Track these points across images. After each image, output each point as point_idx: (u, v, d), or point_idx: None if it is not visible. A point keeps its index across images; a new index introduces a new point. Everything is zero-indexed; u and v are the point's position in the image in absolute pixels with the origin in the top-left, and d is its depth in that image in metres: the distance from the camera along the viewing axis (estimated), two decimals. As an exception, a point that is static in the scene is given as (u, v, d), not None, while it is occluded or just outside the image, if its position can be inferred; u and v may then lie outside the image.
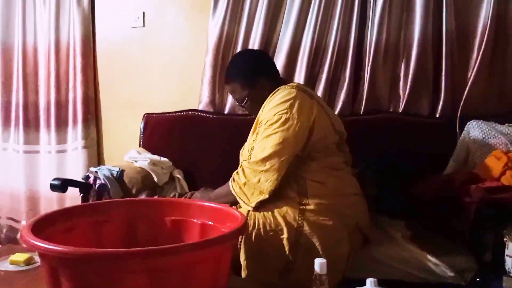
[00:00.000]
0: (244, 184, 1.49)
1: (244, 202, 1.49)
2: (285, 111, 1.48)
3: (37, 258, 1.33)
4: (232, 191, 1.52)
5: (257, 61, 1.77)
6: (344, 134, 1.64)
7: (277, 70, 1.83)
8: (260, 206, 1.47)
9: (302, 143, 1.48)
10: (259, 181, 1.46)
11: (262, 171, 1.46)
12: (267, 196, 1.46)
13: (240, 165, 1.55)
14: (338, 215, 1.46)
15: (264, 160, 1.47)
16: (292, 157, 1.47)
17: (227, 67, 1.86)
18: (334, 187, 1.50)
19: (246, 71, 1.70)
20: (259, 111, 1.60)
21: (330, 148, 1.57)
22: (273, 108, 1.51)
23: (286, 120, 1.47)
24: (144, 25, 2.60)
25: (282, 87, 1.58)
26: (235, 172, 1.55)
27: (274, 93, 1.57)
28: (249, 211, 1.47)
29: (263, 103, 1.59)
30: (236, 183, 1.52)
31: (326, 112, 1.57)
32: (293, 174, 1.51)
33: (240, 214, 1.16)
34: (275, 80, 1.68)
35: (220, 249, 1.04)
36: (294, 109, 1.48)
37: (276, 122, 1.48)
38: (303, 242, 1.41)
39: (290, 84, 1.61)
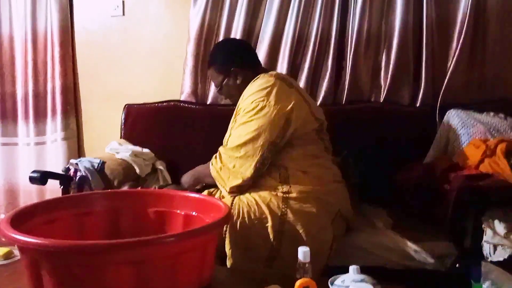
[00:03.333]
0: (220, 168, 1.53)
1: (221, 185, 1.54)
2: (262, 98, 1.51)
3: (16, 252, 1.30)
4: (212, 175, 1.56)
5: (235, 50, 1.80)
6: (324, 122, 1.67)
7: (258, 60, 1.85)
8: (236, 191, 1.51)
9: (278, 130, 1.50)
10: (234, 166, 1.50)
11: (237, 157, 1.50)
12: (240, 181, 1.49)
13: (218, 150, 1.58)
14: (321, 203, 1.48)
15: (239, 146, 1.50)
16: (267, 144, 1.49)
17: (210, 53, 1.91)
18: (316, 175, 1.52)
19: (222, 58, 1.76)
20: (236, 98, 1.65)
21: (310, 135, 1.59)
22: (251, 96, 1.54)
23: (262, 108, 1.50)
24: (123, 14, 2.55)
25: (262, 75, 1.61)
26: (213, 157, 1.59)
27: (254, 81, 1.59)
28: (233, 199, 1.48)
29: (238, 91, 1.65)
30: (213, 168, 1.56)
31: (305, 100, 1.60)
32: (274, 163, 1.53)
33: (223, 204, 1.16)
34: (253, 70, 1.70)
35: (204, 240, 1.04)
36: (271, 97, 1.51)
37: (252, 109, 1.52)
38: (287, 230, 1.43)
39: (270, 72, 1.64)
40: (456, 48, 2.11)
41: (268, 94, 1.51)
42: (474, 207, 1.49)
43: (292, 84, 1.60)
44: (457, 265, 1.45)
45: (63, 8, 2.59)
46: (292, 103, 1.52)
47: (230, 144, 1.54)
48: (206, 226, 1.07)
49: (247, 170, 1.48)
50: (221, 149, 1.57)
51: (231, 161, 1.51)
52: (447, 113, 2.01)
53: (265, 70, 1.71)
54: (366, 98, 2.24)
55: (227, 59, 1.74)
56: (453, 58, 2.12)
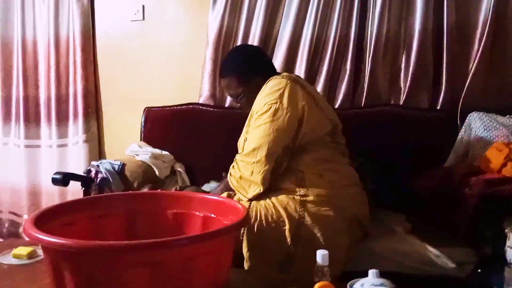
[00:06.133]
0: (240, 177, 1.51)
1: (242, 194, 1.52)
2: (275, 101, 1.50)
3: (39, 252, 1.33)
4: (231, 186, 1.54)
5: (254, 58, 1.75)
6: (338, 124, 1.64)
7: (274, 67, 1.82)
8: (255, 198, 1.50)
9: (292, 133, 1.49)
10: (252, 173, 1.49)
11: (253, 162, 1.48)
12: (262, 189, 1.48)
13: (234, 158, 1.57)
14: (337, 207, 1.47)
15: (255, 150, 1.49)
16: (282, 147, 1.48)
17: (223, 61, 1.87)
18: (332, 179, 1.51)
19: (242, 67, 1.70)
20: (251, 106, 1.61)
21: (324, 139, 1.57)
22: (264, 98, 1.53)
23: (276, 111, 1.49)
24: (143, 19, 2.59)
25: (274, 77, 1.59)
26: (231, 167, 1.57)
27: (266, 83, 1.58)
28: (250, 203, 1.48)
29: (254, 100, 1.60)
30: (233, 177, 1.54)
31: (316, 102, 1.57)
32: (290, 167, 1.52)
33: (242, 206, 1.17)
34: (270, 77, 1.67)
35: (222, 242, 1.04)
36: (284, 99, 1.50)
37: (266, 112, 1.50)
38: (304, 234, 1.42)
39: (282, 74, 1.62)
40: (477, 52, 2.08)
41: (280, 96, 1.50)
42: (495, 213, 1.46)
43: (304, 85, 1.58)
44: (478, 271, 1.42)
45: (85, 13, 2.64)
46: (304, 104, 1.51)
47: (246, 149, 1.52)
48: (223, 228, 1.07)
49: (264, 176, 1.47)
50: (237, 157, 1.56)
51: (248, 168, 1.49)
52: (468, 116, 1.98)
53: (277, 73, 1.70)
54: (384, 102, 2.22)
55: (247, 69, 1.69)
56: (474, 62, 2.09)
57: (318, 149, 1.55)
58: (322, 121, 1.57)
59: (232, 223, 1.07)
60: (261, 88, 1.62)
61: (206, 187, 2.07)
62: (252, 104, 1.63)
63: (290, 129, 1.49)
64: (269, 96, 1.52)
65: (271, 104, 1.50)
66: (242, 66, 1.70)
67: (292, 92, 1.51)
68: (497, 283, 0.98)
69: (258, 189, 1.48)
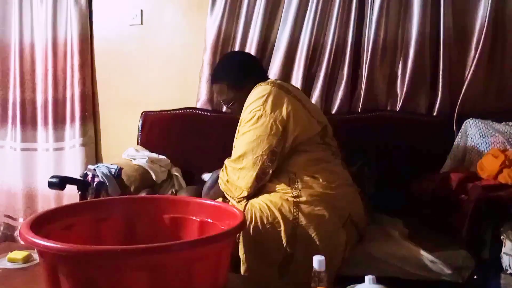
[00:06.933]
0: (227, 181, 1.56)
1: (230, 197, 1.56)
2: (258, 108, 1.52)
3: (35, 256, 1.33)
4: (221, 188, 1.58)
5: (246, 65, 1.79)
6: (327, 126, 1.66)
7: (266, 73, 1.85)
8: (243, 200, 1.52)
9: (276, 139, 1.50)
10: (238, 178, 1.53)
11: (239, 168, 1.52)
12: (245, 193, 1.51)
13: (224, 162, 1.60)
14: (331, 207, 1.48)
15: (240, 157, 1.53)
16: (266, 153, 1.50)
17: (215, 67, 1.89)
18: (325, 179, 1.52)
19: (235, 74, 1.73)
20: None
21: (314, 140, 1.59)
22: (249, 106, 1.56)
23: (259, 117, 1.51)
24: (142, 23, 2.59)
25: (259, 84, 1.61)
26: (221, 170, 1.60)
27: (253, 90, 1.60)
28: (245, 205, 1.49)
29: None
30: (221, 180, 1.58)
31: (303, 105, 1.59)
32: (283, 169, 1.54)
33: (239, 211, 1.17)
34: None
35: (219, 247, 1.05)
36: (267, 105, 1.52)
37: (250, 119, 1.53)
38: (300, 234, 1.43)
39: (267, 80, 1.64)
40: (474, 57, 2.09)
41: (264, 103, 1.52)
42: (492, 219, 1.47)
43: (290, 90, 1.60)
44: (474, 277, 1.43)
45: (83, 17, 2.64)
46: (289, 109, 1.52)
47: (232, 156, 1.57)
48: (221, 233, 1.07)
49: (249, 180, 1.50)
50: (226, 161, 1.59)
51: (235, 173, 1.53)
52: (464, 123, 1.99)
53: (266, 79, 1.71)
54: (382, 107, 2.23)
55: (241, 76, 1.72)
56: (471, 67, 2.10)
57: (310, 150, 1.57)
58: (311, 122, 1.59)
59: (232, 227, 1.07)
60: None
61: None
62: (241, 109, 1.65)
63: (273, 135, 1.50)
64: (254, 103, 1.55)
65: (255, 111, 1.52)
66: (234, 72, 1.74)
67: (276, 98, 1.53)
68: (494, 289, 0.99)
69: (243, 193, 1.52)
